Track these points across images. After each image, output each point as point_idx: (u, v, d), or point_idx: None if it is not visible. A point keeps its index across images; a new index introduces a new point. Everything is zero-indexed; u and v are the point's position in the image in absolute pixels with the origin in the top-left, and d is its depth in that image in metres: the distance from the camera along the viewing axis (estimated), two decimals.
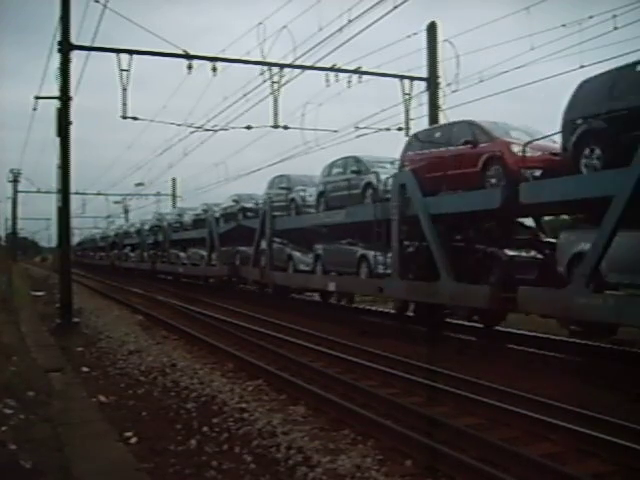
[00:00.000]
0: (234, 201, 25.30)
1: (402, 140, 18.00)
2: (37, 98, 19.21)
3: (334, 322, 16.51)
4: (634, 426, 6.63)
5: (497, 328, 14.13)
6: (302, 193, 19.75)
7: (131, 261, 41.52)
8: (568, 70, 12.79)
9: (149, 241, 37.14)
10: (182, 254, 31.59)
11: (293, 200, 20.09)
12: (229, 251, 25.26)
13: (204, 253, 27.75)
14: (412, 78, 18.63)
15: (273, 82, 17.68)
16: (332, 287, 17.21)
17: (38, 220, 72.67)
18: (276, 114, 18.19)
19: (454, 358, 10.86)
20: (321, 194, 18.10)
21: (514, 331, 13.75)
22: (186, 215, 32.22)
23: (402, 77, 18.56)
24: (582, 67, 12.55)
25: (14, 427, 6.60)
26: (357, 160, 16.74)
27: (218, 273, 26.27)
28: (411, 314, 16.17)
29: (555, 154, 10.96)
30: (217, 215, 26.74)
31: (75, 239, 60.60)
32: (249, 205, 24.19)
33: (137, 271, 39.72)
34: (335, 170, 17.83)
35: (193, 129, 19.75)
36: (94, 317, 19.09)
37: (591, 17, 12.68)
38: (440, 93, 18.29)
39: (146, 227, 38.73)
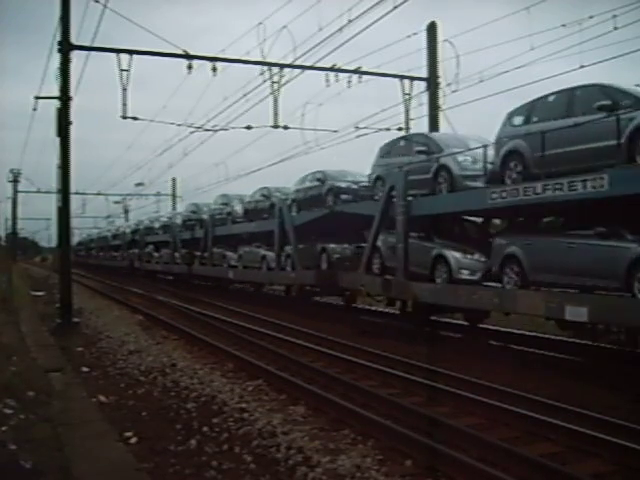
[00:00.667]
0: (318, 180, 18.63)
1: None
2: (37, 98, 19.31)
3: (334, 322, 16.49)
4: (634, 426, 6.64)
5: (498, 328, 14.14)
6: (461, 158, 12.89)
7: (156, 262, 35.27)
8: (568, 70, 12.80)
9: (182, 238, 30.90)
10: (230, 254, 25.32)
11: (443, 169, 13.12)
12: (309, 250, 18.92)
13: (266, 253, 21.65)
14: (412, 78, 18.66)
15: (273, 82, 17.74)
16: (582, 315, 9.36)
17: (38, 220, 72.97)
18: (276, 114, 18.25)
19: (454, 358, 10.85)
20: (510, 156, 11.32)
21: (514, 331, 13.76)
22: (236, 203, 25.81)
23: (402, 77, 18.60)
24: (582, 67, 12.58)
25: (14, 427, 6.60)
26: (603, 88, 9.94)
27: (300, 280, 19.03)
28: None
29: None
30: (288, 202, 20.39)
31: (75, 239, 60.57)
32: (342, 184, 17.93)
33: (166, 274, 34.56)
34: (545, 112, 10.90)
35: (193, 129, 19.84)
36: (94, 317, 19.09)
37: (591, 17, 12.66)
38: (440, 93, 18.35)
39: (177, 221, 32.57)
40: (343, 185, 17.82)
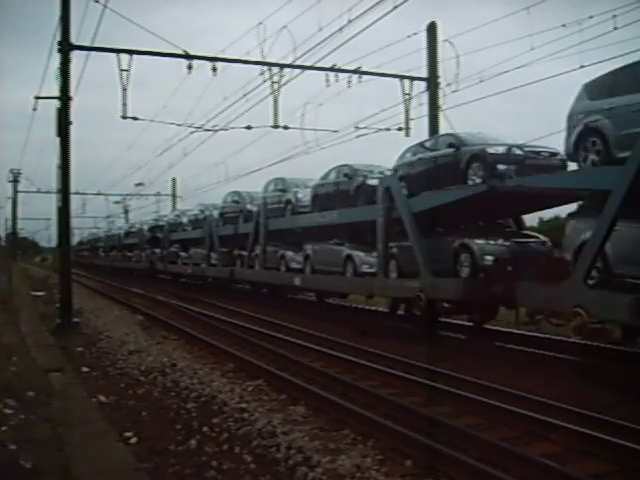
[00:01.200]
0: (451, 146, 13.18)
1: (402, 140, 18.00)
2: (37, 98, 19.32)
3: (334, 322, 16.48)
4: (634, 426, 6.63)
5: (497, 328, 14.13)
6: None
7: (184, 264, 30.41)
8: (568, 70, 12.80)
9: (221, 234, 25.77)
10: (291, 254, 20.34)
11: None
12: (442, 247, 13.19)
13: (352, 252, 16.66)
14: (412, 78, 18.65)
15: (273, 82, 17.73)
16: None
17: (38, 220, 72.78)
18: (276, 114, 18.23)
19: (454, 358, 10.85)
20: None
21: (514, 331, 13.74)
22: (297, 188, 20.52)
23: (402, 77, 18.59)
24: (582, 67, 12.58)
25: (14, 427, 6.60)
26: None
27: (429, 293, 12.67)
28: None
29: None
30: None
31: (75, 239, 60.41)
32: (497, 150, 12.37)
33: (198, 278, 29.53)
34: None
35: (193, 129, 19.82)
36: (94, 317, 19.09)
37: (591, 17, 12.64)
38: (440, 93, 18.34)
39: (214, 214, 27.31)
40: (499, 150, 12.33)
